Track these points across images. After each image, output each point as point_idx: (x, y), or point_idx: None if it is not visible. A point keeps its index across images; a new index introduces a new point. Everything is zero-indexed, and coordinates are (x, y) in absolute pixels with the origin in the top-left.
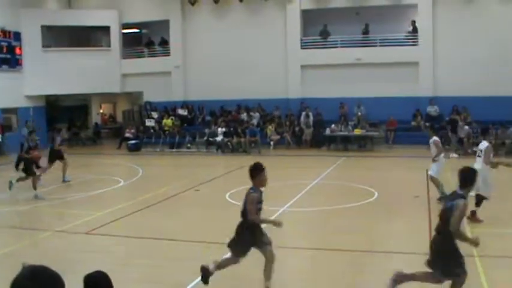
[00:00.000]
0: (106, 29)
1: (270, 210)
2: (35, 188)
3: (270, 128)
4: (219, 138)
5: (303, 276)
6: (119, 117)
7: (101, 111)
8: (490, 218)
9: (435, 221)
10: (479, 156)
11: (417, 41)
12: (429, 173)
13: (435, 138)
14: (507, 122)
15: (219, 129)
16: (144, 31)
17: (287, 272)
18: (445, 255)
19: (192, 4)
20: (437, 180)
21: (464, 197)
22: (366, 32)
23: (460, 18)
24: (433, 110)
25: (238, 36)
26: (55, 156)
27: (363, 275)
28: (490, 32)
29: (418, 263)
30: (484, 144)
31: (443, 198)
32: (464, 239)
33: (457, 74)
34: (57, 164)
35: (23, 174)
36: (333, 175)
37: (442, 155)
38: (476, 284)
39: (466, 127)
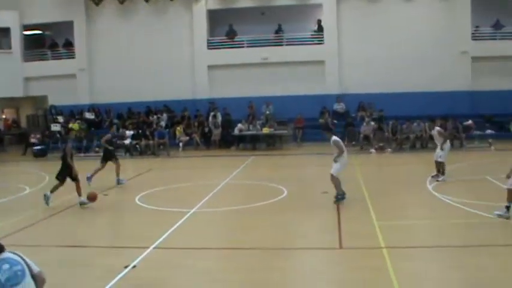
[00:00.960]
0: (6, 31)
1: (180, 212)
2: (79, 194)
3: (179, 130)
4: (127, 141)
5: (214, 276)
6: (23, 123)
7: (3, 116)
8: (394, 210)
9: (344, 216)
10: None
11: (323, 40)
12: (330, 171)
13: (334, 138)
14: (411, 117)
15: (127, 132)
16: (47, 33)
17: (199, 273)
18: None
19: (97, 4)
20: (337, 180)
21: None
22: (278, 31)
23: (364, 16)
24: (339, 107)
25: (144, 36)
26: (108, 156)
27: (274, 272)
28: (393, 30)
29: (328, 258)
30: None
31: (339, 199)
32: None
33: (362, 72)
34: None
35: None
36: (242, 175)
37: (345, 153)
38: (385, 275)
39: (372, 123)
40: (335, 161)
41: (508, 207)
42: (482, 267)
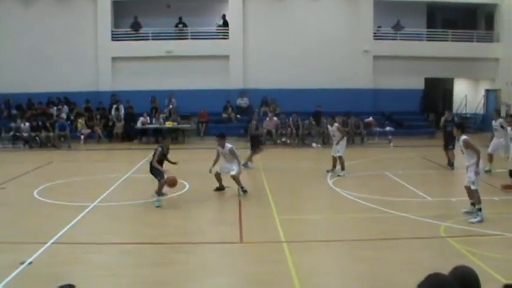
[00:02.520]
0: None
1: (80, 206)
2: (160, 190)
3: (80, 122)
4: (26, 133)
5: (116, 272)
6: None
7: None
8: (295, 205)
9: (245, 211)
10: None
11: (228, 35)
12: (231, 173)
13: (231, 146)
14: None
15: (26, 124)
16: None
17: (99, 268)
18: None
19: None
20: (238, 179)
21: None
22: (179, 25)
23: (270, 12)
24: (243, 102)
25: (47, 26)
26: (257, 142)
27: (175, 266)
28: (298, 28)
29: (229, 252)
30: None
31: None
32: None
33: (267, 67)
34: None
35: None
36: (144, 168)
37: (243, 162)
38: (285, 268)
39: (275, 118)
40: (233, 166)
41: (479, 209)
42: (381, 260)
